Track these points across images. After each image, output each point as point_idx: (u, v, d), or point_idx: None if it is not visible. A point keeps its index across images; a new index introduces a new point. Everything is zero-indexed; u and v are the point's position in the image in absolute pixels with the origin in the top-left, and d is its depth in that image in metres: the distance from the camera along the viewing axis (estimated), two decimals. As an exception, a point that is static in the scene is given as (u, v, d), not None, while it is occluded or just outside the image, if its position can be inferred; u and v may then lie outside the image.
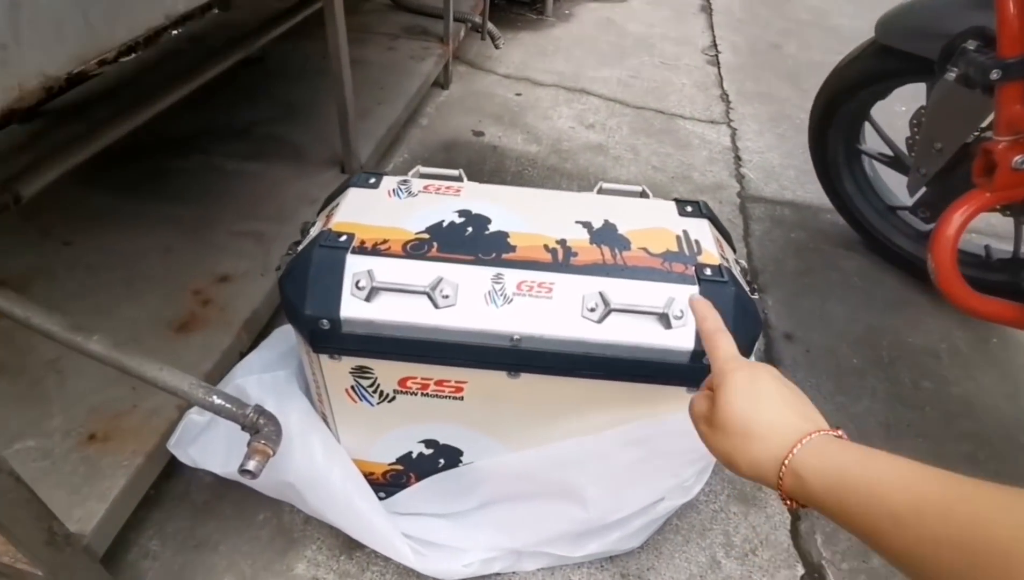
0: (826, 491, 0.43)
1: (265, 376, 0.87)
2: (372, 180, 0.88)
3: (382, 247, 0.76)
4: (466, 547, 0.91)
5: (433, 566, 0.90)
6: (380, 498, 0.92)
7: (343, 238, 0.76)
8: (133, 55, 2.03)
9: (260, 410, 0.76)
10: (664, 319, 0.72)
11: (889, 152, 1.50)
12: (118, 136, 1.07)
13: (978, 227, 1.59)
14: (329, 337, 0.74)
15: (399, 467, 0.92)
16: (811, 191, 1.90)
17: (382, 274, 0.73)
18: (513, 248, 0.77)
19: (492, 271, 0.74)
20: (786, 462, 0.46)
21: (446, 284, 0.73)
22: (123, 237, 1.22)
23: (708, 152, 2.11)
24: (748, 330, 0.74)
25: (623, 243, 0.80)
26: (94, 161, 1.39)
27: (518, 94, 2.36)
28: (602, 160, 2.01)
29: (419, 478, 0.94)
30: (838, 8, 3.53)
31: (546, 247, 0.78)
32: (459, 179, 0.91)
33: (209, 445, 0.87)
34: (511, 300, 0.74)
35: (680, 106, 2.39)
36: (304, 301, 0.74)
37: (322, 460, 0.84)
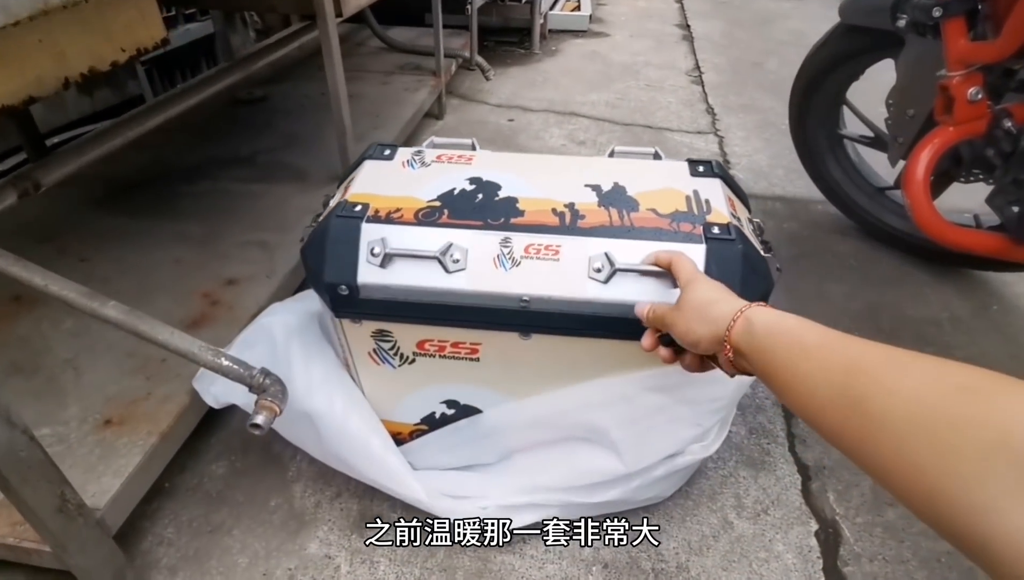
0: (766, 331, 0.53)
1: (291, 318, 0.90)
2: (387, 152, 0.92)
3: (395, 215, 0.79)
4: (485, 494, 0.91)
5: (447, 506, 0.90)
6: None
7: (358, 208, 0.79)
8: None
9: (265, 372, 0.78)
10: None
11: (869, 133, 1.55)
12: (129, 137, 1.14)
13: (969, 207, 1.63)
14: (349, 302, 0.79)
15: (424, 427, 0.95)
16: (800, 187, 1.94)
17: (395, 241, 0.77)
18: (521, 213, 0.79)
19: (500, 235, 0.77)
20: (742, 310, 0.57)
21: (456, 249, 0.76)
22: (135, 252, 1.27)
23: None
24: (757, 287, 0.74)
25: (631, 205, 0.80)
26: (107, 188, 1.47)
27: (510, 120, 2.45)
28: (594, 171, 2.07)
29: None
30: (815, 28, 3.67)
31: (554, 211, 0.79)
32: (472, 148, 0.94)
33: (229, 383, 0.88)
34: (519, 263, 0.76)
35: (667, 121, 2.47)
36: (323, 268, 0.78)
37: (340, 404, 0.87)
